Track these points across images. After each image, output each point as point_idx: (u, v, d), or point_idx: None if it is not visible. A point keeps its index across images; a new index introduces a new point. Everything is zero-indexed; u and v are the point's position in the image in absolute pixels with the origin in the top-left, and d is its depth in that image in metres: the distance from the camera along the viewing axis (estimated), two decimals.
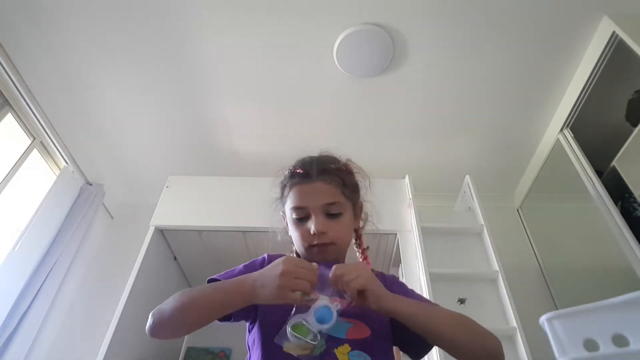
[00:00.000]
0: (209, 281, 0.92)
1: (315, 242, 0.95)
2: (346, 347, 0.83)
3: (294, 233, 1.00)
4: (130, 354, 2.07)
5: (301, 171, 1.01)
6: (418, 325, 0.82)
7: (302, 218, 0.97)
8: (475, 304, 1.82)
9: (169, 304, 0.83)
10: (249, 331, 0.94)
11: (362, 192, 1.08)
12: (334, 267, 0.82)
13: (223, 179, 2.43)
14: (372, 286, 0.80)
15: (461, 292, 1.84)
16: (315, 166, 1.01)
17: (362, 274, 0.80)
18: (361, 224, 1.12)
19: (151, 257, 2.20)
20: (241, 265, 0.97)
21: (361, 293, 0.80)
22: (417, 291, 1.99)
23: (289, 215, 1.00)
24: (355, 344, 0.84)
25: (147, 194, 2.69)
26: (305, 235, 0.96)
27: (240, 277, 0.84)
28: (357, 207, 1.06)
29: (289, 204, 1.00)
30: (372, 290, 0.80)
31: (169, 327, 0.84)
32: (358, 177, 1.08)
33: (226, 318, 0.88)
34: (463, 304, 1.82)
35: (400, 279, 2.06)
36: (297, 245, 1.00)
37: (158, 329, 0.84)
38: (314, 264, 0.82)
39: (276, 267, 0.79)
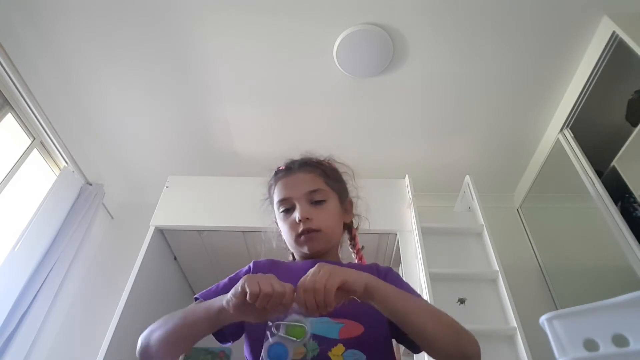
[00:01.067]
0: (195, 299, 0.93)
1: (300, 230, 0.95)
2: (340, 348, 0.82)
3: (283, 228, 1.00)
4: (130, 354, 2.06)
5: (283, 167, 1.07)
6: (394, 311, 0.77)
7: (288, 210, 0.99)
8: (475, 304, 1.82)
9: (153, 332, 0.84)
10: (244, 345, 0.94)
11: (350, 187, 1.10)
12: (298, 286, 0.73)
13: (223, 179, 2.43)
14: (348, 276, 0.73)
15: (461, 292, 1.84)
16: (297, 161, 1.07)
17: (328, 271, 0.73)
18: (355, 223, 1.12)
19: (151, 257, 2.20)
20: (226, 279, 0.97)
21: (342, 290, 0.73)
22: (417, 291, 1.99)
23: (277, 212, 1.02)
24: (349, 344, 0.82)
25: (147, 194, 2.69)
26: (292, 225, 0.97)
27: (214, 298, 0.81)
28: (344, 200, 1.06)
29: (275, 200, 1.02)
30: (351, 280, 0.73)
31: (154, 355, 0.84)
32: (343, 173, 1.10)
33: (223, 340, 0.92)
34: (463, 304, 1.82)
35: None
36: (287, 240, 1.00)
37: (145, 356, 0.85)
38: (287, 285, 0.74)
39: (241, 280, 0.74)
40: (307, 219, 0.95)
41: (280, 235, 1.05)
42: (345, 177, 1.10)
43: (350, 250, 1.15)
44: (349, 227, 1.12)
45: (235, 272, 0.99)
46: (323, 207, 0.98)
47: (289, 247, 1.03)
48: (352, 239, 1.14)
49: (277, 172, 1.07)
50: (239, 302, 0.73)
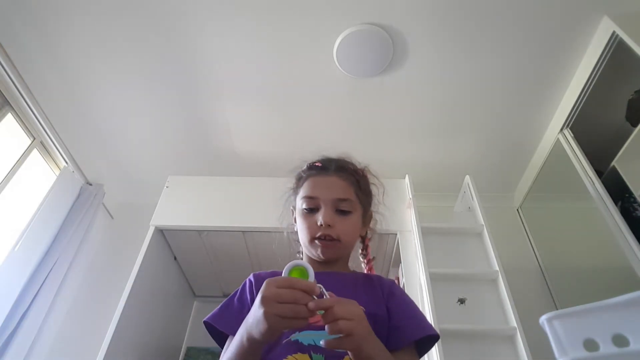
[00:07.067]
0: (204, 322, 0.91)
1: (319, 234, 0.94)
2: None
3: (300, 225, 0.98)
4: (130, 354, 2.07)
5: (319, 164, 1.04)
6: None
7: (311, 209, 0.97)
8: (475, 304, 1.82)
9: None
10: None
11: (375, 201, 1.08)
12: (330, 296, 0.73)
13: (223, 179, 2.43)
14: (358, 333, 0.71)
15: (461, 292, 1.84)
16: (334, 162, 1.04)
17: (357, 317, 0.72)
18: (369, 234, 1.11)
19: (151, 257, 2.20)
20: (234, 299, 0.94)
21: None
22: (417, 291, 1.99)
23: (299, 206, 1.00)
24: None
25: (147, 194, 2.69)
26: (311, 226, 0.95)
27: (239, 331, 0.78)
28: (367, 214, 1.05)
29: (301, 194, 1.01)
30: (357, 336, 0.71)
31: None
32: (373, 187, 1.08)
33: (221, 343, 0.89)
34: (463, 304, 1.82)
35: (401, 280, 2.07)
36: (302, 238, 0.99)
37: None
38: (310, 275, 0.73)
39: (258, 296, 0.72)
40: (329, 225, 0.93)
41: (293, 226, 1.04)
42: (373, 190, 1.08)
43: (361, 260, 1.14)
44: (362, 237, 1.12)
45: (240, 289, 0.96)
46: (347, 217, 0.96)
47: (301, 244, 1.01)
48: (364, 248, 1.14)
49: (312, 167, 1.04)
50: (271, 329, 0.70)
